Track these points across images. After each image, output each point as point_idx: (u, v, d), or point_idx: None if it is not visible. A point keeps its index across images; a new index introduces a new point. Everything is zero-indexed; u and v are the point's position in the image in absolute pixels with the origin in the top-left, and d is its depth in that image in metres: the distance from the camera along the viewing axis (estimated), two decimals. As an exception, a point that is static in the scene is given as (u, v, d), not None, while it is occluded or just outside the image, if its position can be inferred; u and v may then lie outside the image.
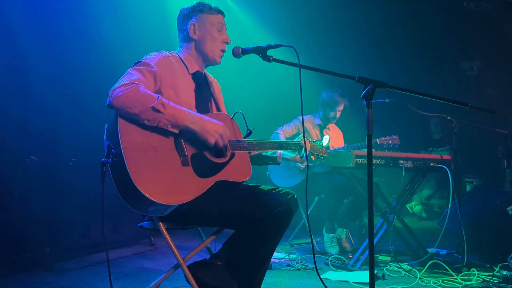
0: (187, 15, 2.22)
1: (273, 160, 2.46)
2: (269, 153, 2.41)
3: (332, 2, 5.90)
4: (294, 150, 2.42)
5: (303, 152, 2.43)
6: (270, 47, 2.03)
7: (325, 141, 2.66)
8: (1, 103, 3.31)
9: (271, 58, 2.03)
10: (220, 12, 2.25)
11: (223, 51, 2.24)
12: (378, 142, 3.62)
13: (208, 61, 2.26)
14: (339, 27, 6.41)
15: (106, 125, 1.88)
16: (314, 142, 2.59)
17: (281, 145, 2.34)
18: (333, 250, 3.82)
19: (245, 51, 2.09)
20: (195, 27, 2.20)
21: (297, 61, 1.95)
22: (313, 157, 2.56)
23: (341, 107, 4.33)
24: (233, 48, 2.12)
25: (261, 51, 2.04)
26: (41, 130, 3.57)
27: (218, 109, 2.33)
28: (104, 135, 1.86)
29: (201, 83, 2.26)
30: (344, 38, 6.44)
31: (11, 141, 3.35)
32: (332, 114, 4.32)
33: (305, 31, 6.27)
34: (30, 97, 3.52)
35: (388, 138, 3.61)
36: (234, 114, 2.26)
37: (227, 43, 2.24)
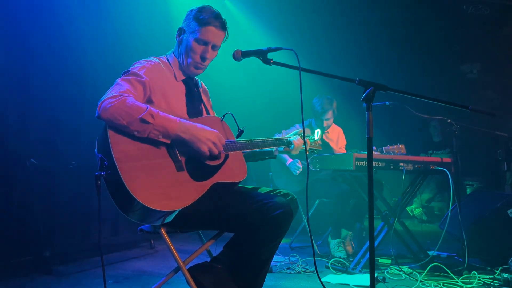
0: (185, 18, 2.18)
1: (269, 154, 2.47)
2: None
3: (334, 5, 5.91)
4: (285, 146, 2.44)
5: (293, 146, 2.44)
6: (270, 50, 2.02)
7: (317, 135, 2.70)
8: (2, 106, 3.31)
9: (271, 61, 2.02)
10: (212, 24, 2.09)
11: (198, 64, 2.13)
12: (384, 151, 3.62)
13: (183, 69, 2.18)
14: (340, 30, 6.42)
15: (97, 137, 1.86)
16: (306, 137, 2.61)
17: (273, 142, 2.36)
18: (341, 254, 3.82)
19: (245, 54, 2.08)
20: (181, 31, 2.17)
21: (298, 64, 1.95)
22: (306, 152, 2.59)
23: (328, 116, 4.30)
24: (234, 52, 2.11)
25: (262, 54, 2.03)
26: (41, 133, 3.57)
27: (208, 113, 2.31)
28: (95, 148, 1.85)
29: (191, 87, 2.24)
30: (345, 41, 6.46)
31: (11, 144, 3.34)
32: (324, 114, 4.31)
33: (305, 34, 6.28)
34: (30, 100, 3.52)
35: (395, 146, 3.60)
36: (224, 115, 2.24)
37: (203, 58, 2.12)
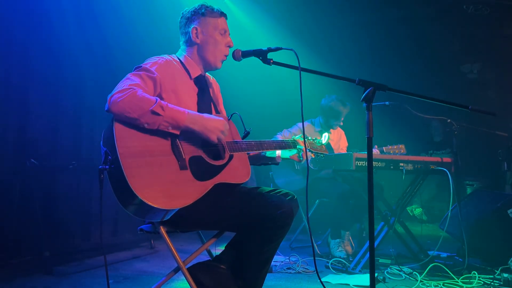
0: (189, 18, 2.19)
1: (272, 160, 2.46)
2: (268, 153, 2.41)
3: (334, 5, 5.91)
4: (292, 149, 2.43)
5: (301, 154, 2.44)
6: (270, 50, 2.02)
7: (324, 138, 2.66)
8: (1, 106, 3.31)
9: (271, 61, 2.02)
10: (222, 14, 2.22)
11: (225, 55, 2.22)
12: (385, 151, 3.63)
13: (209, 66, 2.23)
14: (340, 30, 6.42)
15: (103, 132, 1.87)
16: (313, 140, 2.59)
17: (279, 145, 2.35)
18: (341, 254, 3.82)
19: (245, 54, 2.08)
20: (197, 30, 2.17)
21: (298, 64, 1.95)
22: (312, 155, 2.57)
23: (344, 115, 4.36)
24: (233, 51, 2.12)
25: (262, 54, 2.03)
26: (41, 133, 3.57)
27: (217, 111, 2.31)
28: (101, 142, 1.85)
29: (203, 87, 2.24)
30: (345, 41, 6.46)
31: (11, 144, 3.35)
32: (336, 122, 4.37)
33: (305, 33, 6.28)
34: (30, 100, 3.52)
35: (395, 147, 3.61)
36: (231, 115, 2.25)
37: (229, 46, 2.22)
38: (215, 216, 1.98)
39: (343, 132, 4.62)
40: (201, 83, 2.23)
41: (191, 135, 1.93)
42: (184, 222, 1.97)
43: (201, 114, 1.97)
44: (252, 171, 2.18)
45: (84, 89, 4.01)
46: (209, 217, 1.98)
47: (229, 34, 2.24)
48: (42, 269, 3.16)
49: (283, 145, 2.37)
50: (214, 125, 1.96)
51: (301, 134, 2.50)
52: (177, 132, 1.89)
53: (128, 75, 1.95)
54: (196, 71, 2.20)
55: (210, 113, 2.23)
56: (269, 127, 4.57)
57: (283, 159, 2.48)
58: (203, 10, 2.18)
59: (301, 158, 2.46)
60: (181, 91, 2.08)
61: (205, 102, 2.21)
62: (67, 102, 3.84)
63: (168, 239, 1.94)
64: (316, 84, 5.13)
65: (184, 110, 1.91)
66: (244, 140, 2.22)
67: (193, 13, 2.19)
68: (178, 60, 2.18)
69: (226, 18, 2.24)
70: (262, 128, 4.62)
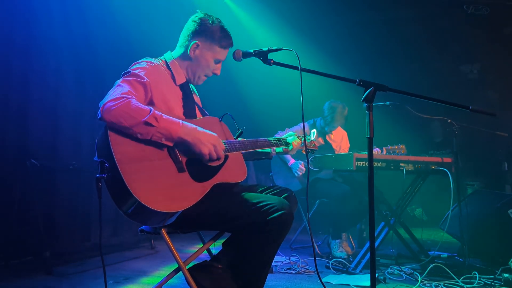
0: (197, 31, 2.16)
1: (266, 155, 2.48)
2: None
3: (334, 5, 5.91)
4: (284, 146, 2.47)
5: (291, 147, 2.48)
6: (271, 50, 2.02)
7: (312, 135, 2.74)
8: (2, 106, 3.31)
9: (272, 62, 2.02)
10: (229, 46, 2.22)
11: (207, 76, 2.26)
12: (385, 151, 3.63)
13: (189, 80, 2.25)
14: (341, 31, 6.42)
15: (96, 140, 1.84)
16: (302, 137, 2.62)
17: (271, 143, 2.37)
18: (342, 254, 3.83)
19: (246, 55, 2.08)
20: (198, 47, 2.17)
21: (298, 65, 1.95)
22: (303, 151, 2.61)
23: (335, 125, 4.39)
24: (234, 52, 2.11)
25: (262, 55, 2.02)
26: (41, 133, 3.57)
27: (202, 113, 2.32)
28: (95, 152, 1.82)
29: (187, 92, 2.25)
30: (345, 41, 6.46)
31: (11, 145, 3.34)
32: (334, 124, 4.37)
33: (306, 33, 6.28)
34: (30, 100, 3.52)
35: (395, 147, 3.62)
36: (222, 116, 2.26)
37: (215, 74, 2.26)
38: (214, 218, 1.98)
39: (345, 133, 4.61)
40: (185, 89, 2.23)
41: (184, 147, 1.91)
42: (185, 223, 1.96)
43: (195, 126, 1.94)
44: (252, 171, 2.19)
45: (84, 89, 4.01)
46: (208, 219, 1.97)
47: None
48: (42, 269, 3.16)
49: (274, 144, 2.39)
50: (207, 138, 1.93)
51: (291, 134, 2.53)
52: (171, 144, 1.87)
53: (118, 82, 1.93)
54: (181, 78, 2.21)
55: (195, 115, 2.23)
56: (274, 126, 4.57)
57: (278, 153, 2.51)
58: (211, 31, 2.16)
59: (290, 148, 2.49)
60: (168, 95, 2.09)
61: (189, 106, 2.22)
62: (67, 102, 3.84)
63: (169, 239, 1.94)
64: (317, 84, 5.13)
65: (178, 121, 1.89)
66: (238, 139, 2.22)
67: (204, 28, 2.16)
68: (165, 65, 2.19)
69: (231, 47, 2.24)
70: (267, 127, 4.63)
